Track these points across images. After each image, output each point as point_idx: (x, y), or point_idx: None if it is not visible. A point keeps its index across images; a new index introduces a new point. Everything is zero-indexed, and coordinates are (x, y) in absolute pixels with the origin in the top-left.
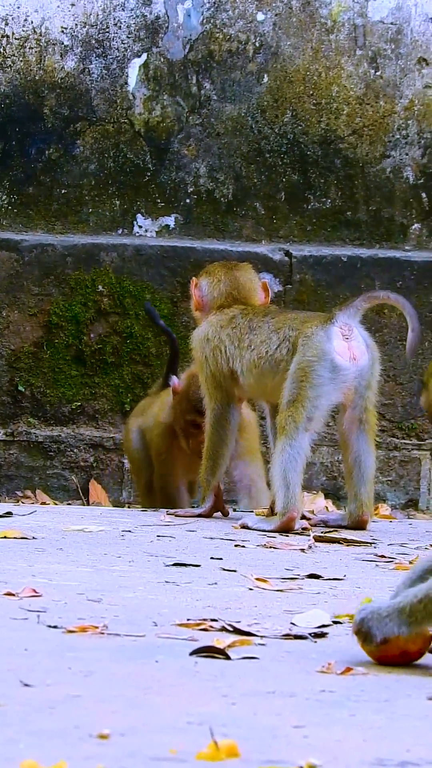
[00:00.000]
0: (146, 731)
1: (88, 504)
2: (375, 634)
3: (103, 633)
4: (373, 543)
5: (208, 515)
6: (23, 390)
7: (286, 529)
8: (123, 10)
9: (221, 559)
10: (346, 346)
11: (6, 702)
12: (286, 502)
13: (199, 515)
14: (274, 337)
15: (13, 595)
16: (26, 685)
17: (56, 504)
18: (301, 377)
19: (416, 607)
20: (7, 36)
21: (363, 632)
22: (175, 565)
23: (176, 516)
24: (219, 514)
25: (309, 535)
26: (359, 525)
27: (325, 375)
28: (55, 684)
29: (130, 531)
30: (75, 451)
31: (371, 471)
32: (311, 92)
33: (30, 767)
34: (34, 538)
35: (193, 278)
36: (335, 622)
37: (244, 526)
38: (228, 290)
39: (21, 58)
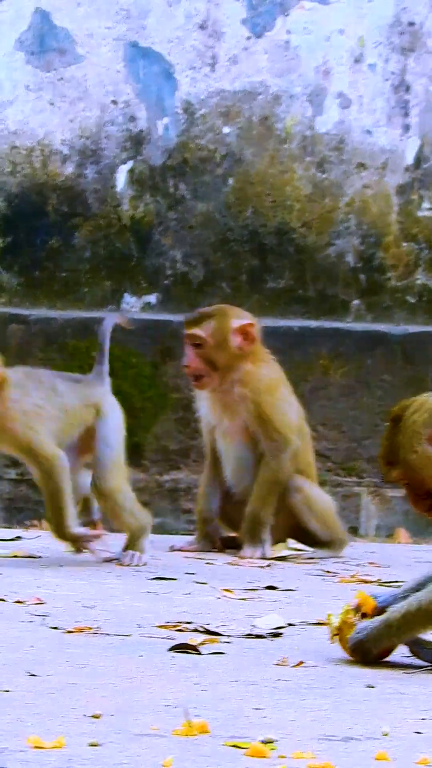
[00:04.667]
0: (131, 712)
1: None
2: (372, 652)
3: (96, 633)
4: (321, 561)
5: None
6: None
7: None
8: (113, 125)
9: (195, 573)
10: None
11: (15, 688)
12: None
13: None
14: None
15: (22, 602)
16: (32, 675)
17: None
18: None
19: (399, 621)
20: (17, 147)
21: (362, 651)
22: (156, 578)
23: None
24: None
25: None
26: None
27: None
28: (56, 674)
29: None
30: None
31: None
32: (268, 192)
33: (35, 742)
34: (39, 557)
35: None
36: (289, 625)
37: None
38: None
39: (28, 165)
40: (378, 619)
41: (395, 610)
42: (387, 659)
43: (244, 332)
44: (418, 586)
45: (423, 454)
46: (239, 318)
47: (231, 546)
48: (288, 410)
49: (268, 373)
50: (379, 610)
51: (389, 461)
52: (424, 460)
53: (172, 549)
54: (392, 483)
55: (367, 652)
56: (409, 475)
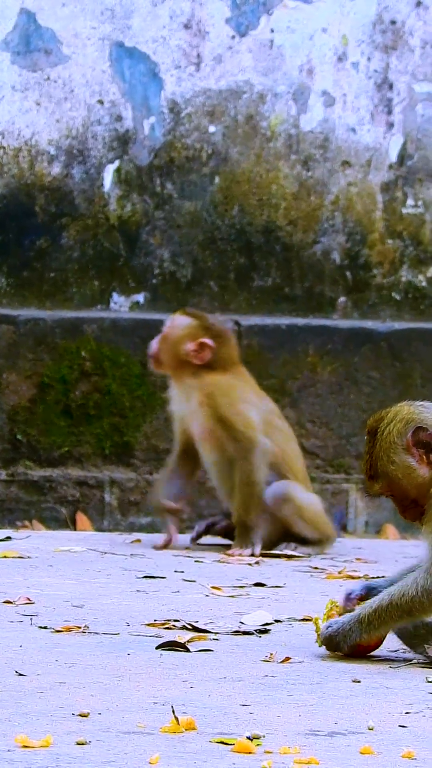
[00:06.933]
0: (119, 710)
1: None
2: (343, 647)
3: (84, 632)
4: (309, 557)
5: None
6: (21, 438)
7: None
8: (99, 124)
9: (183, 572)
10: None
11: (3, 688)
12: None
13: None
14: None
15: (11, 602)
16: (20, 674)
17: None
18: None
19: (371, 616)
20: (4, 147)
21: (333, 645)
22: (145, 577)
23: None
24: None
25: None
26: None
27: None
28: (44, 673)
29: (108, 552)
30: (64, 488)
31: None
32: (255, 190)
33: (22, 741)
34: (29, 557)
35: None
36: (276, 621)
37: None
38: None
39: (15, 166)
40: (350, 615)
41: (367, 606)
42: (373, 653)
43: (198, 342)
44: (392, 583)
45: (401, 464)
46: (205, 327)
47: (224, 534)
48: (247, 410)
49: (227, 380)
50: (364, 596)
51: (371, 475)
52: (404, 470)
53: (156, 547)
54: (378, 496)
55: (337, 647)
56: (392, 487)
